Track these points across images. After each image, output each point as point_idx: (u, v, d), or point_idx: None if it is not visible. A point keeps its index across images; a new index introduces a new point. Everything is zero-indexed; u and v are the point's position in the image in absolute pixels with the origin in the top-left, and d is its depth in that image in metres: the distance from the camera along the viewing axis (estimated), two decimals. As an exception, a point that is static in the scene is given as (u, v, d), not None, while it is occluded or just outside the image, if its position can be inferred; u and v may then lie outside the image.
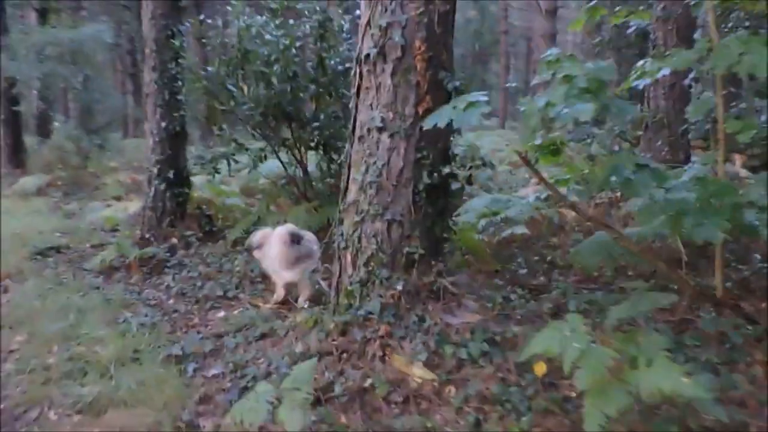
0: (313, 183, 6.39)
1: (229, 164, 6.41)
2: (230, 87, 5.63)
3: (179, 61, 6.57)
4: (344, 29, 5.98)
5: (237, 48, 5.72)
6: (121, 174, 13.03)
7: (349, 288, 3.48)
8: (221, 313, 4.56)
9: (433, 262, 3.47)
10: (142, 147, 21.64)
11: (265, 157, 6.39)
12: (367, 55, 3.53)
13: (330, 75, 5.94)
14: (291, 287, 4.67)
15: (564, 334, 2.38)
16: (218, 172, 6.66)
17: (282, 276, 4.61)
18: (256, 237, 4.86)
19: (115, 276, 5.91)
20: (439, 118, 3.07)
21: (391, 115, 3.47)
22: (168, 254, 6.21)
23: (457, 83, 3.53)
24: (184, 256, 6.25)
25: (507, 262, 4.90)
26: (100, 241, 7.46)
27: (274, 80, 5.44)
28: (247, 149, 6.43)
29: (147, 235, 6.68)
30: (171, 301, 5.02)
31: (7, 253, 6.91)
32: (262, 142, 6.70)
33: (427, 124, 3.15)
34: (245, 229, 6.48)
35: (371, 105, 3.53)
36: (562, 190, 6.09)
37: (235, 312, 4.54)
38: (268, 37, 5.50)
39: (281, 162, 6.58)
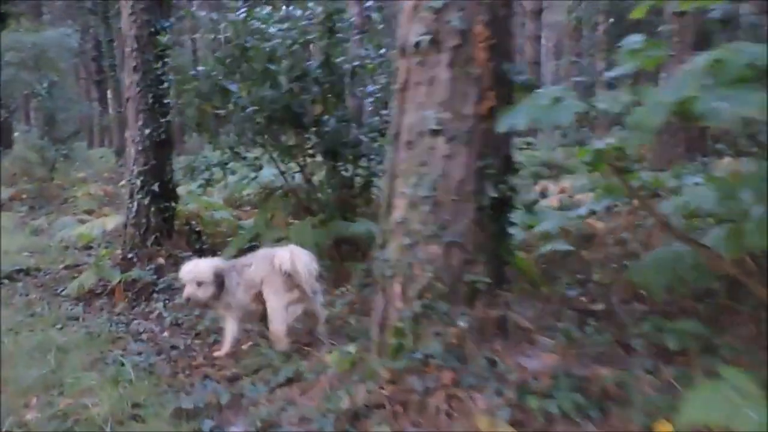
0: (319, 195, 5.75)
1: (225, 174, 5.74)
2: (229, 88, 4.96)
3: (165, 60, 5.89)
4: (353, 23, 5.39)
5: (234, 44, 5.07)
6: (91, 186, 12.17)
7: (398, 325, 2.87)
8: (222, 350, 3.90)
9: (498, 292, 2.89)
10: (109, 157, 20.91)
11: (261, 166, 5.75)
12: (417, 44, 2.94)
13: (337, 74, 5.35)
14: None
15: (728, 397, 1.82)
16: (211, 185, 6.00)
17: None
18: (198, 269, 3.79)
19: (96, 303, 5.21)
20: (517, 117, 2.51)
21: (447, 115, 2.88)
22: (155, 277, 5.52)
23: (525, 76, 2.97)
24: (175, 279, 5.56)
25: (551, 282, 4.34)
26: (74, 262, 6.74)
27: (282, 79, 4.80)
28: (243, 157, 5.78)
29: (130, 255, 5.97)
30: (165, 334, 4.34)
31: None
32: (256, 149, 6.07)
33: (501, 126, 2.59)
34: (240, 246, 5.82)
35: (422, 104, 2.94)
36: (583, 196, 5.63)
37: (245, 347, 3.88)
38: (272, 30, 4.87)
39: (280, 171, 5.94)
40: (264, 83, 4.87)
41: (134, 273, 5.40)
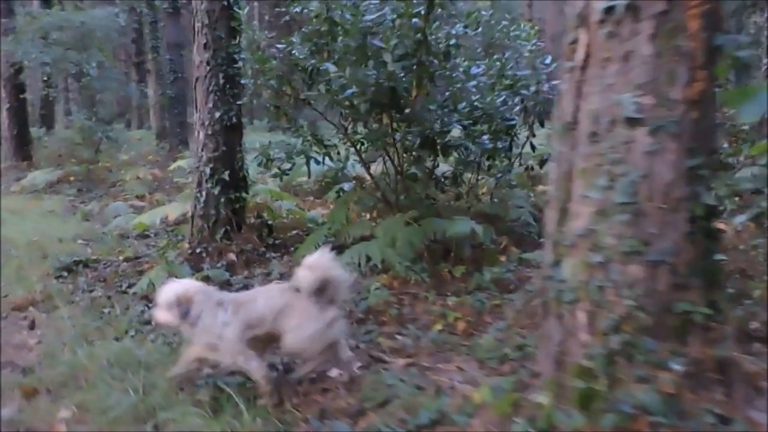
0: (408, 189, 5.17)
1: (308, 164, 5.18)
2: (326, 68, 4.37)
3: (239, 37, 5.35)
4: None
5: (325, 19, 4.49)
6: (140, 170, 11.75)
7: (585, 363, 2.29)
8: (333, 372, 3.35)
9: (712, 324, 2.29)
10: (148, 139, 20.55)
11: (347, 156, 5.19)
12: (607, 10, 2.33)
13: (435, 53, 4.74)
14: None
15: None
16: (287, 174, 5.45)
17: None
18: (172, 292, 3.12)
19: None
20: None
21: (650, 100, 2.27)
22: (228, 275, 5.01)
23: (748, 51, 2.34)
24: (248, 278, 5.05)
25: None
26: (134, 253, 6.26)
27: (388, 59, 4.19)
28: (325, 145, 5.22)
29: (198, 249, 5.47)
30: (254, 347, 3.81)
31: (25, 267, 5.71)
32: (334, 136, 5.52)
33: (746, 115, 1.98)
34: (318, 243, 5.29)
35: (612, 86, 2.33)
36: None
37: (356, 369, 3.33)
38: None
39: (362, 161, 5.38)
40: (363, 62, 4.27)
41: (210, 272, 4.88)
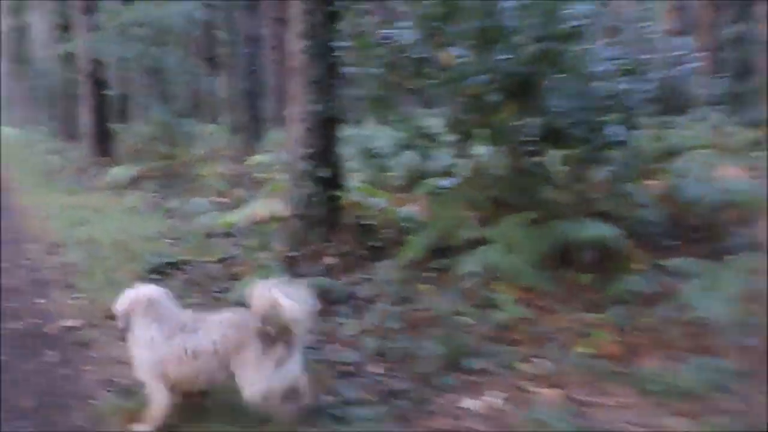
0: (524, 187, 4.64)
1: (422, 160, 4.74)
2: (437, 54, 3.91)
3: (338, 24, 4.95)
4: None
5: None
6: (219, 165, 11.57)
7: None
8: (468, 401, 2.88)
9: None
10: (221, 134, 20.59)
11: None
12: None
13: (563, 34, 4.20)
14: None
15: None
16: (387, 170, 5.02)
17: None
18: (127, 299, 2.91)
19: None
20: None
21: None
22: (333, 283, 4.62)
23: None
24: (352, 285, 4.64)
25: None
26: (224, 254, 5.96)
27: (518, 41, 3.68)
28: (432, 139, 4.76)
29: (294, 252, 5.10)
30: (372, 369, 3.38)
31: (114, 269, 5.49)
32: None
33: None
34: (425, 246, 4.84)
35: None
36: None
37: (499, 400, 2.86)
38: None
39: (469, 155, 4.89)
40: (488, 46, 3.77)
41: (316, 280, 4.49)
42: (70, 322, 4.24)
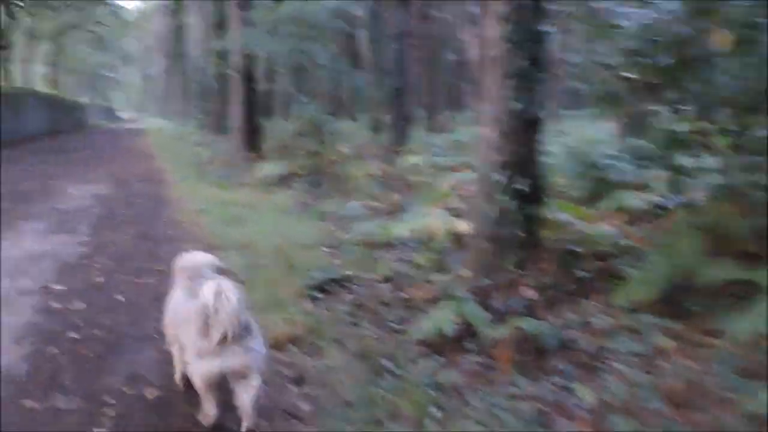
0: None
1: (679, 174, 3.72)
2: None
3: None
4: None
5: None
6: (370, 165, 10.98)
7: None
8: None
9: None
10: (361, 131, 20.21)
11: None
12: None
13: None
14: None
15: None
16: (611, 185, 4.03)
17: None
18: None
19: (461, 360, 3.51)
20: None
21: None
22: (534, 321, 3.71)
23: None
24: (562, 328, 3.71)
25: None
26: (390, 271, 5.23)
27: None
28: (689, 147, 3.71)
29: (485, 282, 4.24)
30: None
31: (276, 283, 4.90)
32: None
33: None
34: (655, 283, 3.81)
35: None
36: None
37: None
38: None
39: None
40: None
41: (521, 321, 3.61)
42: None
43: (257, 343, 2.66)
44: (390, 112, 16.36)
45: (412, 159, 10.47)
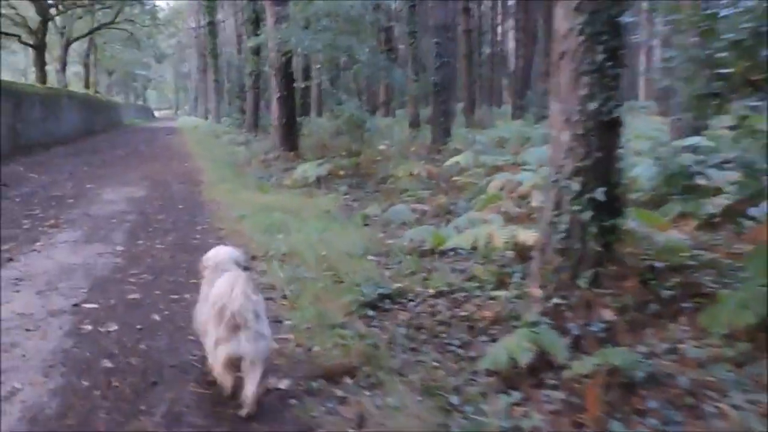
0: None
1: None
2: None
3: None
4: None
5: None
6: (413, 165, 10.55)
7: None
8: None
9: None
10: (400, 129, 19.77)
11: None
12: None
13: None
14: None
15: None
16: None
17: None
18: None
19: (540, 397, 3.09)
20: None
21: None
22: (622, 352, 3.26)
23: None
24: (650, 356, 3.26)
25: None
26: (445, 284, 4.83)
27: None
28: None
29: (556, 299, 3.81)
30: None
31: (322, 299, 4.53)
32: None
33: None
34: (748, 305, 3.33)
35: None
36: None
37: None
38: None
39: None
40: None
41: (606, 353, 3.17)
42: (278, 383, 3.26)
43: (265, 327, 2.89)
44: (429, 108, 15.92)
45: (458, 159, 10.02)
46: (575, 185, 3.82)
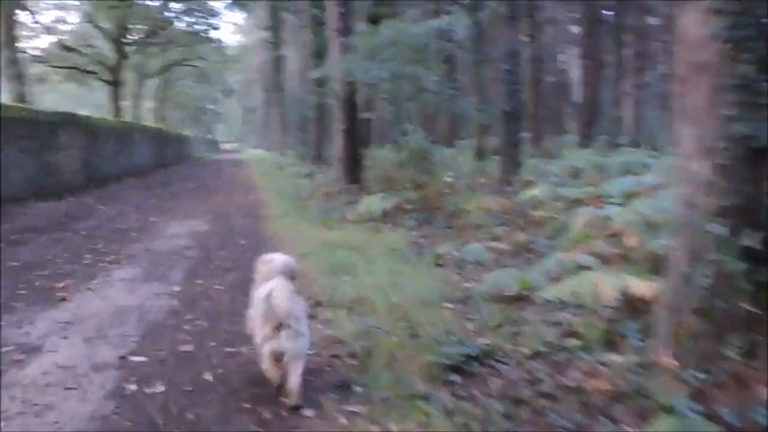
0: None
1: None
2: None
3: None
4: None
5: None
6: (483, 198, 9.84)
7: None
8: None
9: None
10: (464, 159, 19.04)
11: None
12: None
13: None
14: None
15: None
16: None
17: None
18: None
19: None
20: None
21: None
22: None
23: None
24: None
25: None
26: (540, 342, 4.08)
27: None
28: None
29: (699, 374, 3.02)
30: None
31: (400, 359, 3.86)
32: None
33: None
34: None
35: None
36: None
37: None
38: None
39: None
40: None
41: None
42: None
43: (303, 327, 3.27)
44: (496, 138, 15.22)
45: (533, 190, 9.25)
46: (721, 229, 3.05)
